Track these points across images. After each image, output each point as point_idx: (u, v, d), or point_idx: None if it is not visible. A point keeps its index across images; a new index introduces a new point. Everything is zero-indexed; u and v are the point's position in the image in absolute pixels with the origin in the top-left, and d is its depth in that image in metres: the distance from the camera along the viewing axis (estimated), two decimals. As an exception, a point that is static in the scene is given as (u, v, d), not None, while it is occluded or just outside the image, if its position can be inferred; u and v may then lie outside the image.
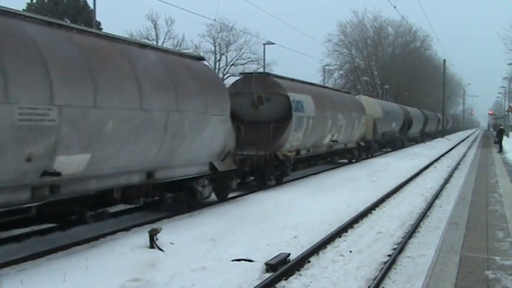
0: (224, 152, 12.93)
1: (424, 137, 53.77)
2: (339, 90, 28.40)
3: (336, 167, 23.88)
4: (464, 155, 33.13)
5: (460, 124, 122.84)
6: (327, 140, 21.10)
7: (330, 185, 17.33)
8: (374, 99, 35.56)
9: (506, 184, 15.79)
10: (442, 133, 66.53)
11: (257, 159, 15.75)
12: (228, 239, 9.45)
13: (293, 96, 16.97)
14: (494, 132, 54.92)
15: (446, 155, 34.70)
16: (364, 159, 28.51)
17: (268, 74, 19.08)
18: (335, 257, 8.57)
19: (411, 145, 44.68)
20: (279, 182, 17.38)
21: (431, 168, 24.82)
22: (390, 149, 37.25)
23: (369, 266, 8.10)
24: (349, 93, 29.36)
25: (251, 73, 19.57)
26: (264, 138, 16.23)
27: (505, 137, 36.48)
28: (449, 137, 65.62)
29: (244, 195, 14.75)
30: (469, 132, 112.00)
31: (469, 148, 42.87)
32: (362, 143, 27.39)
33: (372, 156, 30.40)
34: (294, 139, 17.21)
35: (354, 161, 26.68)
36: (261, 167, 16.12)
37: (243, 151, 15.23)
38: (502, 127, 38.47)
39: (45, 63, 7.40)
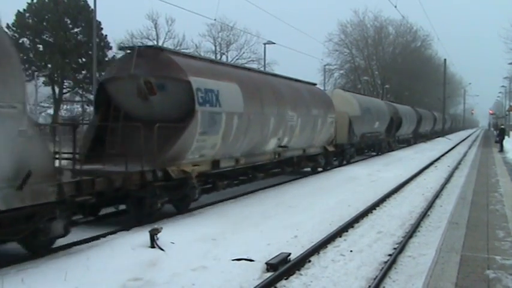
0: (17, 175, 7.31)
1: (418, 138, 49.41)
2: (295, 80, 19.51)
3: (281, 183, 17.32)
4: (464, 155, 33.12)
5: (460, 124, 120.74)
6: (271, 146, 15.81)
7: (330, 185, 17.33)
8: (350, 93, 28.62)
9: (507, 184, 15.78)
10: (440, 133, 64.77)
11: (125, 179, 10.02)
12: (229, 238, 9.45)
13: (198, 82, 11.66)
14: (495, 132, 54.92)
15: (447, 154, 34.70)
16: (336, 167, 23.45)
17: (162, 49, 12.88)
18: (336, 256, 8.57)
19: (402, 147, 39.95)
20: (180, 210, 11.97)
21: (431, 167, 24.81)
22: (375, 153, 32.76)
23: (369, 265, 8.10)
24: (314, 84, 22.50)
25: (133, 47, 13.25)
26: (143, 145, 10.60)
27: (505, 137, 36.40)
28: (449, 136, 65.43)
29: (246, 194, 14.73)
30: (469, 132, 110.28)
31: (469, 148, 42.85)
32: (331, 148, 21.77)
33: (349, 163, 25.48)
34: (204, 146, 12.01)
35: (320, 169, 21.53)
36: (136, 192, 10.42)
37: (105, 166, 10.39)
38: (503, 127, 38.45)
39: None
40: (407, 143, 44.24)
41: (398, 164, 25.90)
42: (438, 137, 60.75)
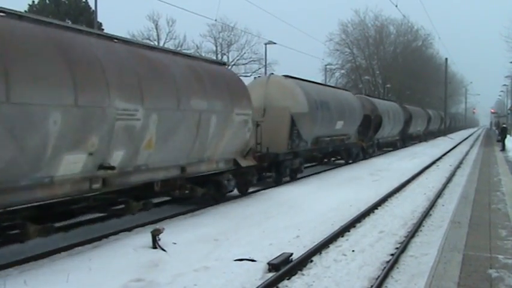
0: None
1: (407, 140, 42.86)
2: (170, 53, 12.52)
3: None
4: (466, 153, 33.09)
5: (460, 123, 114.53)
6: (73, 168, 8.21)
7: (332, 184, 17.32)
8: (295, 80, 19.09)
9: (509, 183, 15.77)
10: (436, 133, 61.54)
11: None
12: (231, 238, 9.45)
13: None
14: (497, 131, 54.83)
15: (448, 154, 34.65)
16: (261, 189, 15.88)
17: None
18: (338, 256, 8.56)
19: (387, 152, 34.75)
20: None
21: (433, 167, 24.79)
22: (344, 162, 25.90)
23: (371, 265, 8.09)
24: (220, 63, 15.34)
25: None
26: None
27: (507, 136, 36.36)
28: (451, 135, 65.23)
29: (247, 194, 14.73)
30: (468, 131, 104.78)
31: (471, 147, 42.79)
32: (246, 162, 14.15)
33: (293, 180, 18.30)
34: None
35: (230, 191, 13.80)
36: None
37: None
38: (504, 125, 38.41)
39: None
40: (393, 146, 37.51)
41: (365, 181, 18.47)
42: (438, 136, 58.92)
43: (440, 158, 30.05)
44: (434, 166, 25.13)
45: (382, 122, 30.51)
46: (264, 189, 15.95)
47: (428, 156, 30.62)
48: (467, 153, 33.55)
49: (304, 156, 19.47)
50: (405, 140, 41.92)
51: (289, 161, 17.71)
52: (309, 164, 22.86)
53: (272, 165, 16.78)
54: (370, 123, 28.89)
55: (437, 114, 64.59)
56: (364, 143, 27.79)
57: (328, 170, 22.52)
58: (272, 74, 21.08)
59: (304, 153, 19.41)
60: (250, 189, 15.26)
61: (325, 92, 22.05)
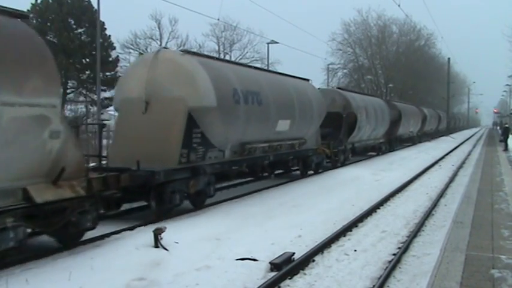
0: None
1: (396, 144, 36.44)
2: None
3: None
4: (469, 153, 33.03)
5: (461, 123, 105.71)
6: None
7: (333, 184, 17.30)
8: (199, 58, 13.05)
9: (512, 182, 15.73)
10: (435, 134, 56.97)
11: None
12: (233, 238, 9.44)
13: None
14: (500, 131, 54.72)
15: (451, 153, 34.60)
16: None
17: None
18: (340, 256, 8.55)
19: (365, 158, 28.42)
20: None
21: (436, 167, 24.75)
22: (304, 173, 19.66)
23: (373, 265, 8.08)
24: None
25: None
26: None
27: (510, 136, 36.29)
28: (453, 135, 64.91)
29: (249, 194, 14.73)
30: (468, 132, 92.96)
31: (473, 146, 42.72)
32: (50, 195, 7.72)
33: (199, 208, 12.43)
34: None
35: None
36: None
37: None
38: (507, 125, 38.33)
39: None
40: (377, 150, 31.47)
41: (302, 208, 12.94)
42: (435, 138, 54.97)
43: (442, 158, 29.98)
44: (436, 166, 25.09)
45: (356, 122, 24.03)
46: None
47: (418, 163, 25.60)
48: (469, 153, 33.48)
49: (217, 173, 13.10)
50: (393, 143, 35.37)
51: (181, 181, 11.39)
52: (237, 181, 16.42)
53: (150, 190, 10.77)
54: (342, 123, 23.11)
55: (435, 113, 58.89)
56: (329, 150, 21.14)
57: (264, 189, 15.63)
58: (164, 48, 13.44)
59: (218, 168, 13.00)
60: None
61: (256, 78, 14.96)
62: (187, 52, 12.78)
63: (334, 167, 22.29)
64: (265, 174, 17.95)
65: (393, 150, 34.50)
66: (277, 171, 18.99)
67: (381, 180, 18.78)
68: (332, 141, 22.02)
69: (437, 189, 16.25)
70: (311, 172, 20.04)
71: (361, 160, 26.95)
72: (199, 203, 12.47)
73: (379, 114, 29.03)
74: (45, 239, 8.94)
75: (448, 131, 66.91)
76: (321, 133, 20.58)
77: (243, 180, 16.86)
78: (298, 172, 19.64)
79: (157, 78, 11.75)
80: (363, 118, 25.22)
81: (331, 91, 25.71)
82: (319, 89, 23.47)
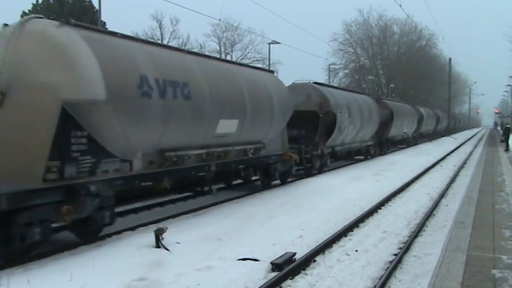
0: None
1: (387, 146, 33.45)
2: None
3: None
4: (470, 154, 33.02)
5: (461, 123, 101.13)
6: None
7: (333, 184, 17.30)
8: (83, 31, 8.78)
9: (513, 183, 15.72)
10: (433, 135, 53.49)
11: None
12: (234, 238, 9.45)
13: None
14: (501, 131, 54.67)
15: (452, 154, 34.59)
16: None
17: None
18: (341, 256, 8.55)
19: (350, 163, 25.20)
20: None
21: (437, 167, 24.74)
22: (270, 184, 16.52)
23: (374, 265, 8.08)
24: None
25: None
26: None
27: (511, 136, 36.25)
28: (454, 135, 64.72)
29: (250, 194, 14.74)
30: (469, 132, 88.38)
31: (473, 149, 42.70)
32: None
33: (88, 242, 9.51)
34: None
35: None
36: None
37: None
38: (508, 126, 38.30)
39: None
40: (365, 154, 28.30)
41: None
42: (434, 139, 52.72)
43: (443, 158, 29.94)
44: (437, 166, 25.08)
45: (336, 122, 20.52)
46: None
47: (414, 167, 23.27)
48: (470, 154, 33.46)
49: (121, 191, 10.07)
50: (384, 145, 32.46)
51: (46, 208, 7.91)
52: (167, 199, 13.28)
53: None
54: (318, 123, 19.92)
55: (433, 113, 55.34)
56: (297, 156, 17.37)
57: (265, 190, 15.45)
58: (34, 18, 9.10)
59: (119, 184, 9.45)
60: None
61: (185, 64, 11.23)
62: (66, 23, 8.70)
63: (309, 175, 19.19)
64: (206, 188, 13.45)
65: (384, 154, 31.64)
66: (220, 184, 15.39)
67: (363, 193, 15.19)
68: (305, 145, 18.93)
69: (439, 190, 16.24)
70: (278, 182, 16.77)
71: (344, 166, 24.06)
72: (87, 235, 9.19)
73: (365, 113, 25.30)
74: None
75: (448, 131, 65.10)
76: (292, 136, 18.18)
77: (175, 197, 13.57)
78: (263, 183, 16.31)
79: (21, 59, 8.22)
80: (344, 118, 21.51)
81: (305, 86, 20.99)
82: (293, 83, 20.79)
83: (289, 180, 17.60)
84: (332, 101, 20.49)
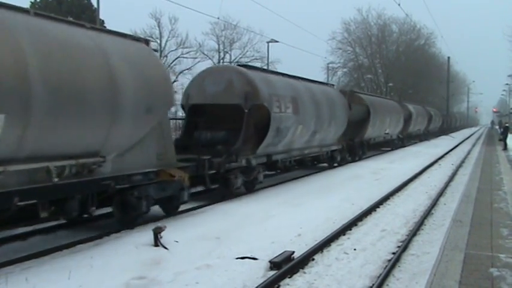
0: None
1: (361, 151, 26.83)
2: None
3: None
4: (468, 153, 33.05)
5: (458, 122, 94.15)
6: None
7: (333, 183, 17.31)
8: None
9: (511, 182, 15.74)
10: (424, 136, 47.87)
11: None
12: (232, 237, 9.45)
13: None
14: (499, 130, 54.70)
15: (450, 153, 34.62)
16: None
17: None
18: (339, 254, 8.56)
19: (297, 178, 18.63)
20: None
21: (435, 166, 24.75)
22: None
23: (373, 263, 8.09)
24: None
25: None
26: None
27: (509, 135, 36.32)
28: (453, 134, 64.52)
29: (248, 193, 14.74)
30: (463, 133, 78.42)
31: (471, 147, 42.75)
32: None
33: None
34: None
35: None
36: None
37: None
38: (507, 125, 38.32)
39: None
40: (331, 162, 22.27)
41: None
42: (440, 135, 53.62)
43: (442, 157, 29.96)
44: (436, 165, 25.09)
45: (271, 120, 14.50)
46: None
47: (389, 179, 18.34)
48: (469, 152, 33.47)
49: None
50: (357, 150, 25.88)
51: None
52: None
53: None
54: (242, 123, 13.97)
55: (424, 111, 48.85)
56: (184, 174, 11.21)
57: (262, 188, 14.97)
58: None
59: None
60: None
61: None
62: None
63: (225, 197, 13.50)
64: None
65: (359, 160, 25.96)
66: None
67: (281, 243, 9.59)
68: (222, 153, 13.07)
69: (437, 188, 16.26)
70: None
71: (288, 181, 17.51)
72: (170, 209, 10.30)
73: (325, 109, 19.07)
74: (43, 238, 8.93)
75: (442, 131, 62.07)
76: (206, 140, 13.86)
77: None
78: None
79: None
80: (285, 115, 15.42)
81: (226, 70, 15.59)
82: (210, 67, 16.63)
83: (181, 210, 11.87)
84: (263, 91, 14.28)
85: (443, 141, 44.42)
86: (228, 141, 13.64)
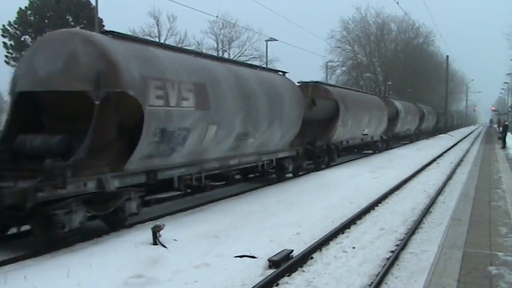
0: None
1: (324, 160, 20.81)
2: None
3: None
4: (467, 151, 33.07)
5: (455, 121, 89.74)
6: None
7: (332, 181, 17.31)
8: None
9: (509, 180, 15.75)
10: (414, 136, 42.93)
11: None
12: (231, 235, 9.46)
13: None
14: (498, 129, 54.68)
15: (449, 151, 34.64)
16: None
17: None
18: (338, 253, 8.57)
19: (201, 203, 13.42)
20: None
21: (434, 164, 24.77)
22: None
23: (371, 262, 8.10)
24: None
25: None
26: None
27: (508, 133, 36.31)
28: (451, 133, 64.45)
29: (247, 191, 14.74)
30: (462, 132, 77.13)
31: (470, 146, 42.78)
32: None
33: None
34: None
35: None
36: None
37: None
38: (506, 123, 38.32)
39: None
40: (282, 174, 17.05)
41: None
42: (440, 133, 52.66)
43: (440, 155, 29.97)
44: (434, 164, 25.11)
45: (144, 117, 9.38)
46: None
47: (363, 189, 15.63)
48: (467, 151, 33.49)
49: None
50: (321, 156, 20.32)
51: None
52: None
53: None
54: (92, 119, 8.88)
55: (415, 108, 43.94)
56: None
57: (261, 187, 14.93)
58: None
59: None
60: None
61: None
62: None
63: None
64: None
65: (326, 168, 20.94)
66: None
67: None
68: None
69: (436, 187, 16.27)
70: None
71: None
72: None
73: (262, 104, 13.98)
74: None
75: (438, 130, 58.41)
76: (32, 148, 8.95)
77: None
78: None
79: None
80: (179, 111, 10.38)
81: (69, 37, 9.53)
82: (47, 34, 10.73)
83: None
84: (131, 71, 9.28)
85: (439, 141, 44.12)
86: (65, 150, 8.79)
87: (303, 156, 18.36)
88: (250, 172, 15.75)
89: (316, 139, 19.64)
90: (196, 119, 10.96)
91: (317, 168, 20.21)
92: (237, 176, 15.03)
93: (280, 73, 17.61)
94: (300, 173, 18.60)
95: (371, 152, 30.15)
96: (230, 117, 12.43)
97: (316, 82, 22.75)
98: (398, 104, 36.30)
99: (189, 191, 12.44)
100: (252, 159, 14.50)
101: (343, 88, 26.54)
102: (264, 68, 18.85)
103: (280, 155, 16.33)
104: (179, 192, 11.54)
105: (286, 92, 16.02)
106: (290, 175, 17.80)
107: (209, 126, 11.46)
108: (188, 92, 10.64)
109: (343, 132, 22.40)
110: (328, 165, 21.39)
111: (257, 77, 14.67)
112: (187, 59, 11.96)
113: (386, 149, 32.37)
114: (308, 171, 16.90)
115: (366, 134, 26.78)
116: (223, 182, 13.69)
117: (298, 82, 20.40)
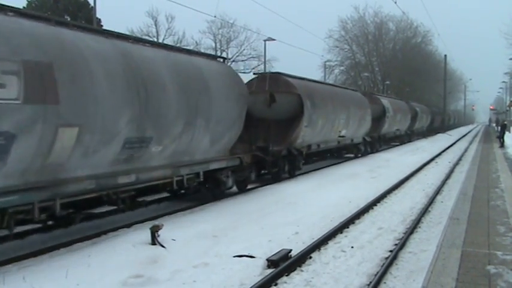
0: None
1: (285, 169, 17.43)
2: None
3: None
4: (465, 150, 33.10)
5: (451, 120, 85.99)
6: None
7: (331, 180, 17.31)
8: None
9: (508, 179, 15.76)
10: (406, 136, 40.06)
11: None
12: (230, 235, 9.46)
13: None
14: (496, 128, 54.72)
15: (448, 150, 34.67)
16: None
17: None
18: (336, 252, 8.57)
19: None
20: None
21: (432, 163, 24.78)
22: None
23: (370, 261, 8.10)
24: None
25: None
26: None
27: (506, 132, 36.34)
28: (450, 132, 64.44)
29: (246, 191, 14.72)
30: (460, 131, 75.43)
31: (468, 145, 42.81)
32: None
33: None
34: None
35: None
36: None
37: None
38: (505, 122, 38.34)
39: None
40: (215, 190, 13.30)
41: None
42: (438, 133, 53.01)
43: (439, 155, 29.97)
44: (433, 163, 25.12)
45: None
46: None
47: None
48: (466, 150, 33.51)
49: None
50: (281, 166, 16.83)
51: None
52: None
53: None
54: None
55: (406, 107, 39.99)
56: None
57: (259, 187, 15.34)
58: None
59: None
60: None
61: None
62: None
63: None
64: None
65: (291, 177, 17.87)
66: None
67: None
68: None
69: (434, 186, 16.28)
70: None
71: None
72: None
73: (174, 97, 10.47)
74: (40, 237, 8.90)
75: (432, 131, 55.69)
76: None
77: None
78: None
79: None
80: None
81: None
82: None
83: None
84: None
85: (436, 142, 43.96)
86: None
87: (251, 166, 14.60)
88: (162, 191, 11.70)
89: (271, 143, 15.76)
90: (27, 118, 7.11)
91: (275, 179, 16.79)
92: (142, 198, 10.73)
93: (220, 60, 14.19)
94: (248, 187, 14.86)
95: (352, 156, 26.68)
96: (108, 115, 8.59)
97: (276, 73, 18.58)
98: (385, 101, 32.25)
99: (50, 223, 9.22)
100: (161, 174, 10.60)
101: (312, 81, 21.03)
102: (189, 50, 14.48)
103: (213, 166, 12.52)
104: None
105: (218, 83, 12.29)
106: (234, 189, 14.15)
107: (59, 129, 7.62)
108: (7, 76, 6.83)
109: (310, 134, 18.50)
110: (292, 175, 17.98)
111: (168, 61, 10.76)
112: (17, 24, 7.48)
113: (372, 152, 29.04)
114: (263, 184, 14.31)
115: (344, 136, 22.87)
116: (113, 208, 10.03)
117: (254, 73, 18.78)
